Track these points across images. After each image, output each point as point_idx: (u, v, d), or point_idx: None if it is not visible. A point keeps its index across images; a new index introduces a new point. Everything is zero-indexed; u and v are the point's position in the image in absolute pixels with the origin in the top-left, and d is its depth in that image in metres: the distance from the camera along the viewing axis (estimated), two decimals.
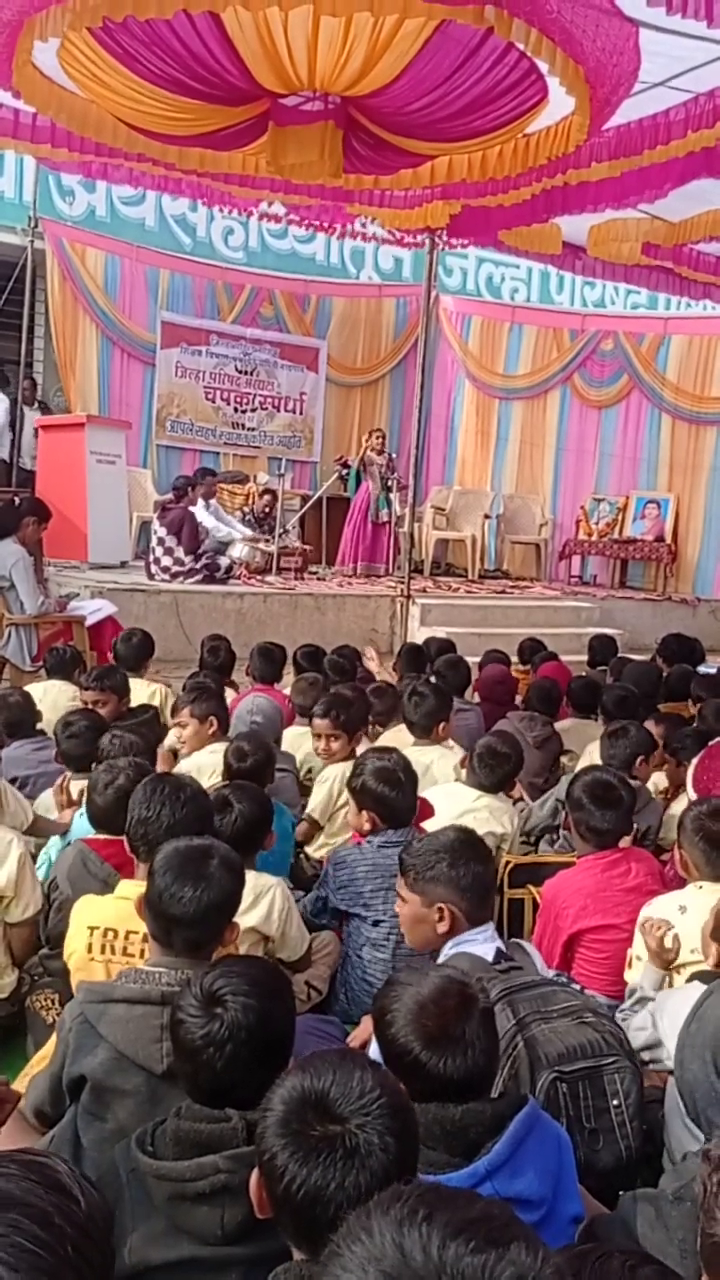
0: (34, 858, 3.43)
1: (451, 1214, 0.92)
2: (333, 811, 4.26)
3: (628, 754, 4.19)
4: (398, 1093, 1.40)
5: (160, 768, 4.27)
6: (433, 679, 5.92)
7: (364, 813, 3.32)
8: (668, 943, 2.78)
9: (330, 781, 4.26)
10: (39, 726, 4.64)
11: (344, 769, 4.12)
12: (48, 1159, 1.17)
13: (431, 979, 1.82)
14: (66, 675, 5.44)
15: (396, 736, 4.99)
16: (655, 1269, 1.19)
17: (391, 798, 3.26)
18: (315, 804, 4.29)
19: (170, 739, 4.70)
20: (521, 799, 4.63)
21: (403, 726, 5.02)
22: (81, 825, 3.45)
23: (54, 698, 5.20)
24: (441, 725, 4.67)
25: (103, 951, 2.55)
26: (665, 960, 2.77)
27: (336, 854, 3.38)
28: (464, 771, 4.13)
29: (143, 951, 2.46)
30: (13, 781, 3.83)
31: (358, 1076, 1.37)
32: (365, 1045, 2.59)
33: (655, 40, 4.97)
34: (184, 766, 4.24)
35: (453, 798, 3.93)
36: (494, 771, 3.96)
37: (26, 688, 5.31)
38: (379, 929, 3.15)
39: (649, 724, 4.85)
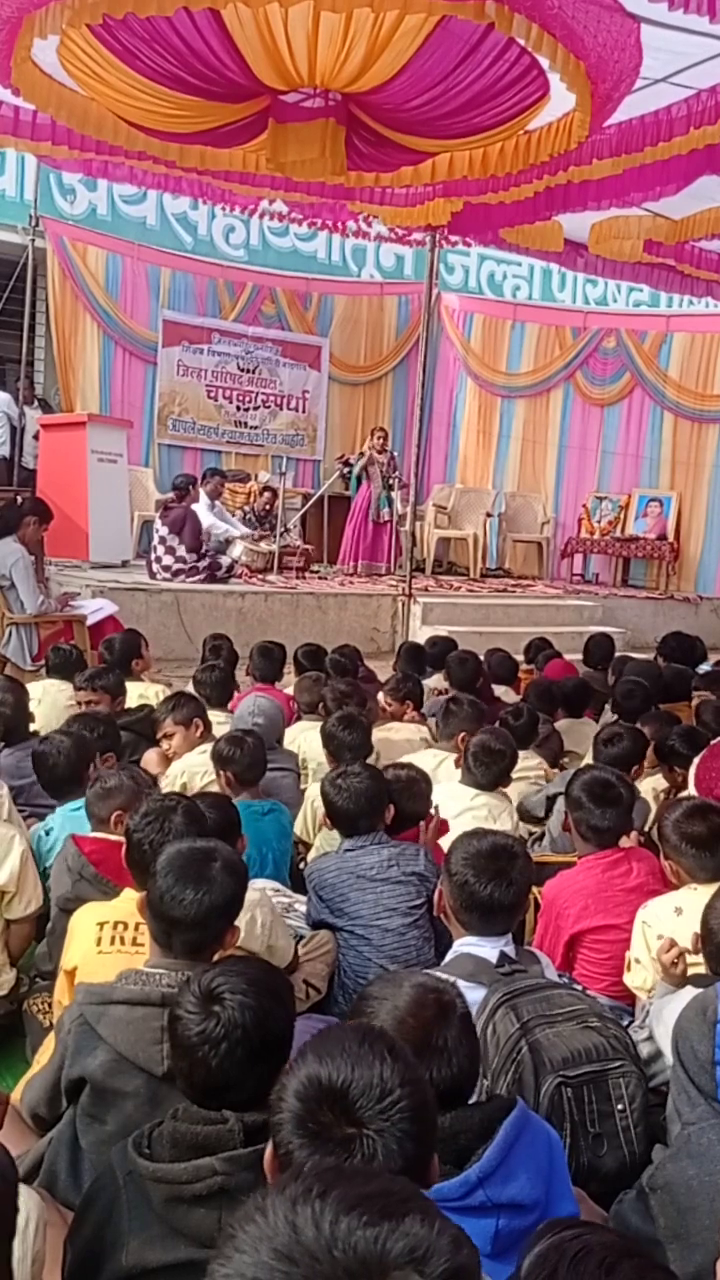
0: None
1: (346, 1190, 0.90)
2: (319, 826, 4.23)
3: (622, 760, 4.14)
4: (420, 1089, 1.36)
5: (156, 770, 4.27)
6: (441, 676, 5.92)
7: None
8: (669, 957, 2.72)
9: (312, 800, 4.24)
10: (34, 728, 4.58)
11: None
12: None
13: (405, 991, 1.79)
14: (67, 675, 5.42)
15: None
16: (635, 1264, 1.15)
17: (335, 804, 3.34)
18: (299, 825, 4.22)
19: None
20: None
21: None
22: (76, 818, 3.45)
23: (53, 697, 5.18)
24: (462, 736, 4.61)
25: (112, 943, 2.54)
26: (676, 977, 2.72)
27: (308, 870, 3.41)
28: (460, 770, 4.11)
29: None
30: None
31: (378, 1071, 1.33)
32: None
33: (657, 36, 4.95)
34: (175, 769, 4.23)
35: (451, 798, 3.91)
36: (489, 769, 3.94)
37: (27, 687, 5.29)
38: (356, 933, 3.15)
39: (642, 725, 4.82)
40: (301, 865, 4.13)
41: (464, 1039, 1.74)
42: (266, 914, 2.97)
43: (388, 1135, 1.29)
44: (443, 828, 3.65)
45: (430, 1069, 1.67)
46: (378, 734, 5.15)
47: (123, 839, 3.01)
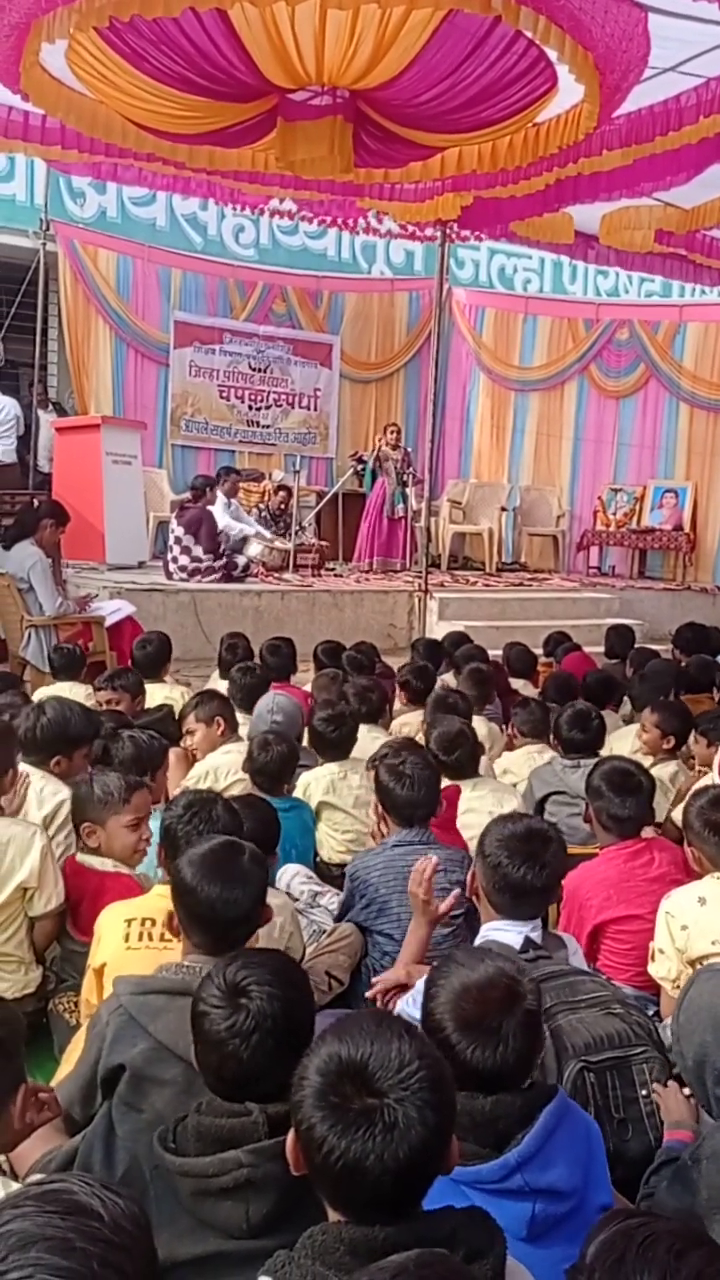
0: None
1: None
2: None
3: None
4: (437, 1062, 1.39)
5: (177, 770, 4.28)
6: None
7: (376, 803, 3.38)
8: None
9: (305, 785, 4.25)
10: None
11: (312, 777, 4.20)
12: (62, 1182, 1.19)
13: (484, 966, 1.79)
14: (74, 674, 5.42)
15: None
16: (704, 1252, 1.14)
17: (393, 790, 3.26)
18: None
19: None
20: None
21: None
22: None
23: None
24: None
25: (140, 939, 2.55)
26: None
27: (351, 866, 3.36)
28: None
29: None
30: None
31: (396, 1047, 1.36)
32: (390, 990, 2.69)
33: (664, 25, 4.93)
34: (199, 770, 4.24)
35: None
36: (459, 756, 3.94)
37: (42, 689, 5.31)
38: (394, 938, 3.11)
39: (652, 714, 4.80)
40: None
41: (523, 1032, 1.73)
42: (287, 920, 2.98)
43: (408, 1104, 1.32)
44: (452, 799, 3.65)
45: (475, 1047, 1.69)
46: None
47: (94, 862, 3.09)
